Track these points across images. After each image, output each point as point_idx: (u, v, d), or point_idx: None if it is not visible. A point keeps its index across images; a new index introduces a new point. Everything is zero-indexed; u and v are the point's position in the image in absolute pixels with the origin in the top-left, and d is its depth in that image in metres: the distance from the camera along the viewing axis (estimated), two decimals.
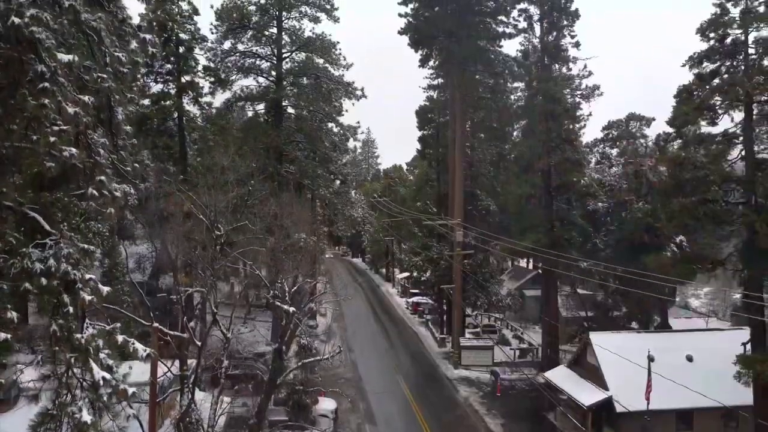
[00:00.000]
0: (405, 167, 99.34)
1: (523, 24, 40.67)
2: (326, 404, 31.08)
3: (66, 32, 13.33)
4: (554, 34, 39.56)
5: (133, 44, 15.98)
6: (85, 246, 13.12)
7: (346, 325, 54.50)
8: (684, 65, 26.08)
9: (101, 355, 12.81)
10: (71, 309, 12.41)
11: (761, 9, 24.77)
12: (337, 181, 49.25)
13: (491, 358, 42.72)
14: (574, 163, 38.25)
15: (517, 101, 47.92)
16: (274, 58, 44.27)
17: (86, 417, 11.84)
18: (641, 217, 38.92)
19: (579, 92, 42.86)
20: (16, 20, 11.23)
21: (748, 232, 22.50)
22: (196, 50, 41.66)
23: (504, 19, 42.78)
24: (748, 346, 24.72)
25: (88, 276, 12.79)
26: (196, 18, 41.52)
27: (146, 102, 39.84)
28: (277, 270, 21.00)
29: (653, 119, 56.45)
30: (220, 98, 44.37)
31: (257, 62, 44.37)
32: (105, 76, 13.02)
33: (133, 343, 13.15)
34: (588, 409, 29.56)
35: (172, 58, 40.79)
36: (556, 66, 40.59)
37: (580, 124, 44.34)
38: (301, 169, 43.17)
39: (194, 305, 21.83)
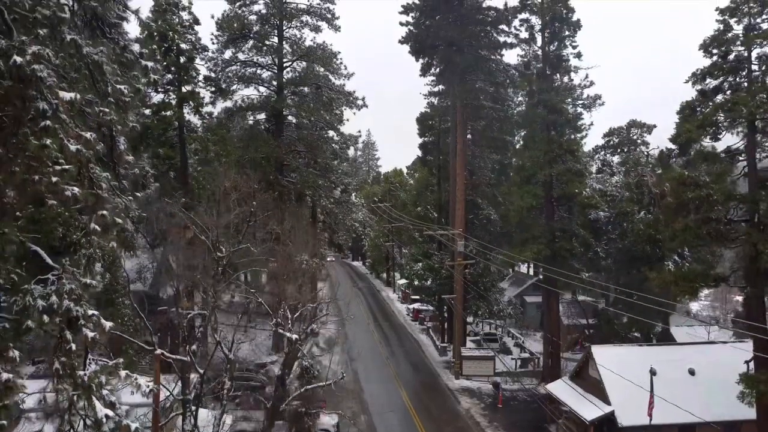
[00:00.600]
0: (405, 171, 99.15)
1: (524, 34, 40.62)
2: (328, 419, 31.03)
3: (68, 65, 13.29)
4: (555, 44, 39.48)
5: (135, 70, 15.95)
6: (87, 281, 13.07)
7: (348, 333, 54.41)
8: (687, 81, 26.04)
9: (104, 392, 12.77)
10: (74, 346, 12.38)
11: (765, 26, 24.72)
12: (338, 190, 49.21)
13: (492, 368, 42.67)
14: (575, 174, 38.19)
15: (518, 110, 47.89)
16: (275, 68, 44.20)
17: None
18: (643, 228, 38.85)
19: (580, 102, 42.81)
20: (18, 59, 11.17)
21: (752, 251, 22.41)
22: (197, 60, 41.59)
23: (505, 28, 42.71)
24: (752, 365, 24.61)
25: (90, 312, 12.74)
26: (196, 28, 41.52)
27: (147, 112, 39.82)
28: (279, 299, 20.94)
29: (654, 126, 56.46)
30: (220, 107, 44.23)
31: (258, 71, 44.35)
32: (107, 110, 12.94)
33: (136, 379, 13.11)
34: (590, 423, 29.50)
35: (172, 68, 40.72)
36: (558, 76, 40.54)
37: (581, 134, 44.30)
38: (302, 179, 43.12)
39: (196, 327, 21.70)
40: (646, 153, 52.91)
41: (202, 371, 17.40)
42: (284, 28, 43.84)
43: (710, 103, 25.57)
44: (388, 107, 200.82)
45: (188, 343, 18.66)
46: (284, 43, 44.00)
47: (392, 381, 41.53)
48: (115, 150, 14.39)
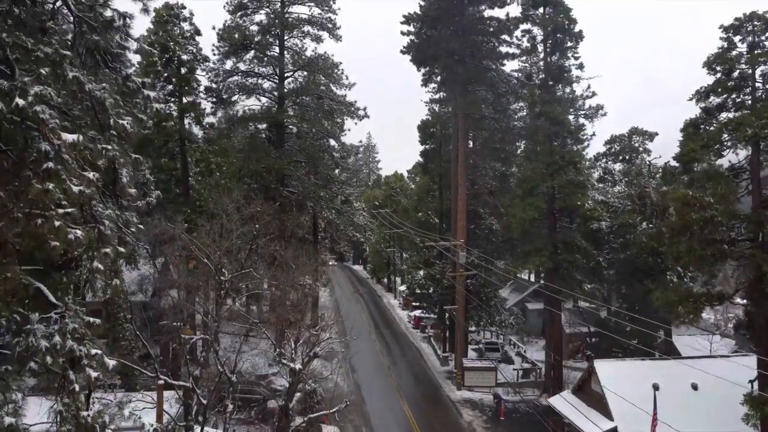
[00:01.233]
0: (406, 175, 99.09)
1: (526, 44, 40.53)
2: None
3: (70, 102, 13.18)
4: (557, 54, 39.39)
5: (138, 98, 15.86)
6: (90, 319, 12.99)
7: (349, 342, 54.27)
8: (690, 99, 25.97)
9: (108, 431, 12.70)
10: (77, 387, 12.29)
11: None
12: (339, 199, 49.12)
13: (494, 379, 42.61)
14: (577, 186, 38.10)
15: (520, 115, 47.77)
16: (276, 78, 44.09)
17: None
18: (646, 241, 38.75)
19: (582, 112, 42.68)
20: (21, 102, 11.06)
21: (756, 272, 22.33)
22: (198, 71, 41.50)
23: (507, 38, 42.59)
24: (755, 385, 24.52)
25: (93, 351, 12.65)
26: (198, 38, 41.41)
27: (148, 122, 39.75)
28: (282, 328, 20.85)
29: (656, 134, 56.41)
30: (222, 117, 44.11)
31: (259, 82, 44.23)
32: (110, 147, 12.85)
33: (140, 417, 13.03)
34: None
35: (173, 80, 40.66)
36: (560, 86, 40.44)
37: (583, 145, 44.19)
38: (304, 190, 43.03)
39: (198, 351, 21.69)
40: (648, 162, 52.81)
41: (205, 401, 17.34)
42: (285, 38, 43.75)
43: (714, 121, 25.50)
44: (388, 107, 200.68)
45: (190, 369, 18.56)
46: (285, 53, 43.91)
47: (394, 393, 41.45)
48: (117, 183, 14.28)
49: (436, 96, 53.58)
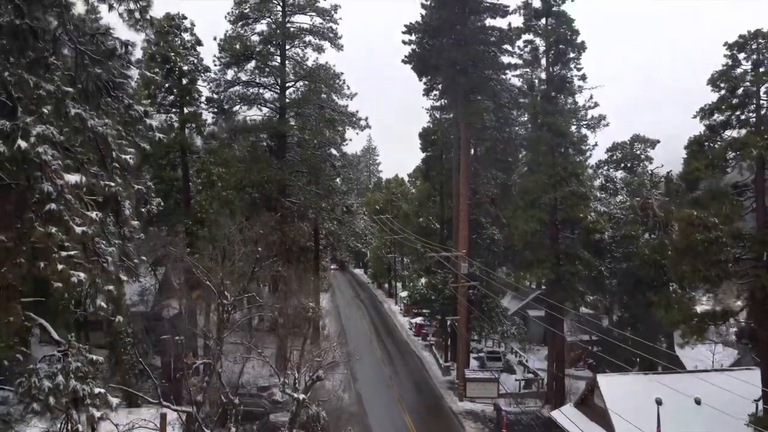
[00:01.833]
0: (407, 179, 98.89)
1: (528, 55, 40.35)
2: None
3: (72, 137, 13.10)
4: (560, 65, 39.24)
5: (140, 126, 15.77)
6: (93, 357, 12.91)
7: (350, 351, 54.19)
8: (695, 116, 25.89)
9: None
10: (80, 427, 12.21)
11: None
12: (340, 209, 49.02)
13: (496, 390, 42.46)
14: (580, 197, 37.98)
15: (523, 131, 47.65)
16: (278, 88, 43.98)
17: None
18: (648, 253, 38.65)
19: (584, 122, 42.53)
20: (23, 144, 10.98)
21: (761, 293, 22.24)
22: (199, 81, 41.45)
23: (509, 48, 42.42)
24: (760, 404, 24.44)
25: (96, 390, 12.57)
26: (198, 49, 41.37)
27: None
28: (285, 357, 20.76)
29: (658, 141, 56.28)
30: (223, 127, 43.99)
31: (260, 92, 44.12)
32: (112, 183, 12.76)
33: None
34: None
35: (174, 90, 40.60)
36: (562, 97, 40.29)
37: (585, 156, 44.09)
38: (305, 201, 42.93)
39: (200, 374, 21.62)
40: (650, 171, 52.69)
41: (208, 431, 17.26)
42: (287, 48, 43.62)
43: (718, 138, 25.42)
44: (388, 107, 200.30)
45: (192, 395, 18.47)
46: (287, 63, 43.79)
47: (396, 404, 41.33)
48: (120, 215, 14.21)
49: (438, 103, 53.50)
